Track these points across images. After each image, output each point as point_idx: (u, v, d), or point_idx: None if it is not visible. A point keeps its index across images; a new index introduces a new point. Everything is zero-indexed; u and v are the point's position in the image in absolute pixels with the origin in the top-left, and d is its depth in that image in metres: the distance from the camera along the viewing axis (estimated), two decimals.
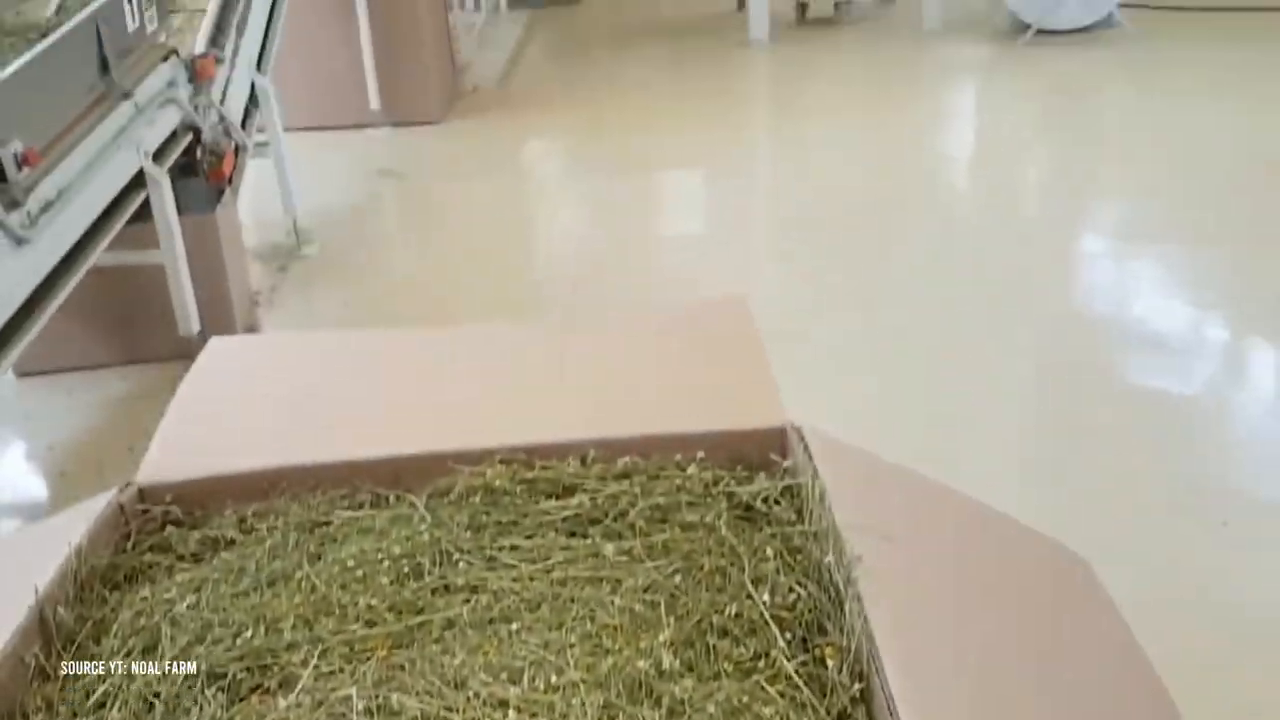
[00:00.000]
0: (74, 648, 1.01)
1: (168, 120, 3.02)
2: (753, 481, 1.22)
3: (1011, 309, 3.32)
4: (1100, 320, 3.25)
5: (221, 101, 3.38)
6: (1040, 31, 6.06)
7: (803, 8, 6.99)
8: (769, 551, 1.08)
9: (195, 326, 2.98)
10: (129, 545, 1.14)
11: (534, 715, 0.89)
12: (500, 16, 7.73)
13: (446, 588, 1.06)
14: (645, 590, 1.04)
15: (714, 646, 0.97)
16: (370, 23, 5.24)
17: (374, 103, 5.38)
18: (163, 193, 2.83)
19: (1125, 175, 4.51)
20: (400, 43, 5.36)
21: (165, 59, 3.04)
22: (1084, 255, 3.81)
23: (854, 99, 5.74)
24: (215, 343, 1.41)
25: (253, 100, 3.75)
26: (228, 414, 1.29)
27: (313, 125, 5.33)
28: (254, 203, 4.23)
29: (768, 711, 0.89)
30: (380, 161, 5.07)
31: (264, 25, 3.87)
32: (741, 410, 1.31)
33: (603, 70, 6.49)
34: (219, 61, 3.39)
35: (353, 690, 0.92)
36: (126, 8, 2.79)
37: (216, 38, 3.51)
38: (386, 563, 1.08)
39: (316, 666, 0.96)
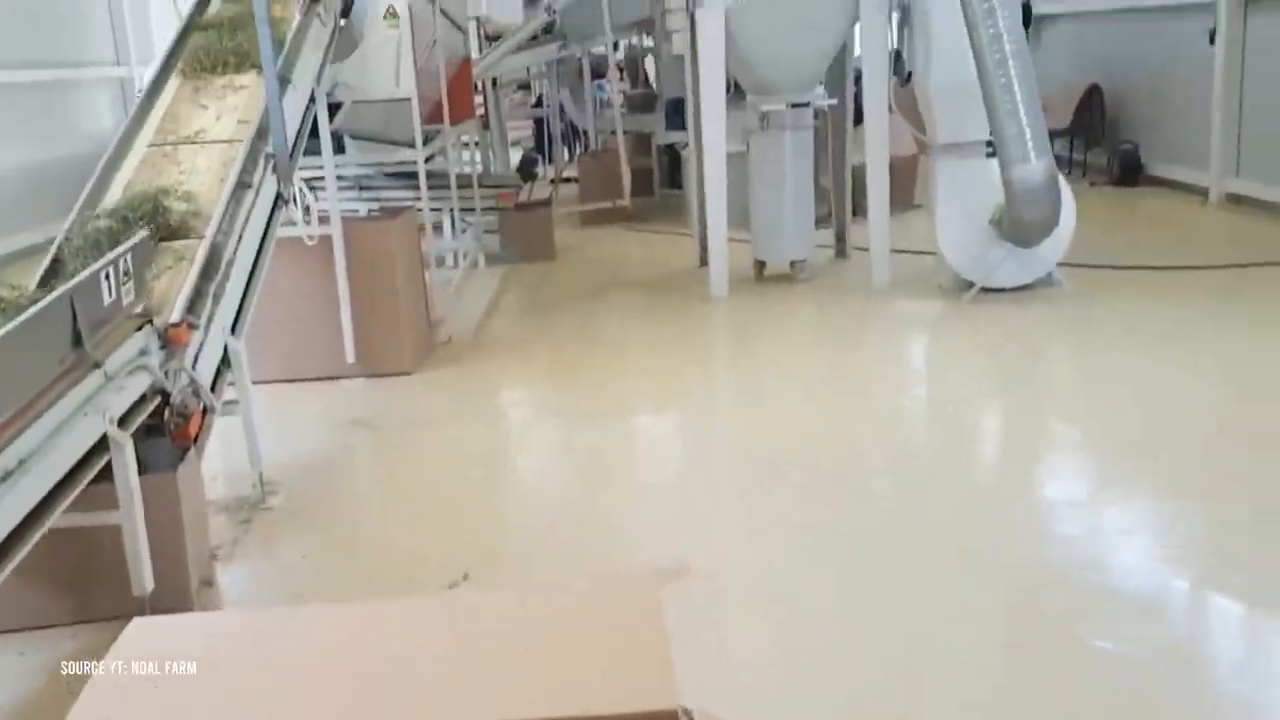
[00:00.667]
0: None
1: (137, 386, 3.11)
2: None
3: (969, 560, 3.39)
4: (1051, 570, 3.30)
5: (194, 365, 3.47)
6: (984, 290, 6.38)
7: (760, 265, 7.38)
8: None
9: (149, 587, 2.98)
10: None
11: None
12: (477, 271, 8.14)
13: None
14: None
15: None
16: (350, 281, 5.48)
17: (350, 356, 5.57)
18: (125, 457, 2.88)
19: (1075, 429, 4.64)
20: (378, 300, 5.59)
21: (139, 328, 3.18)
22: (1038, 507, 3.88)
23: (811, 354, 5.99)
24: (136, 624, 1.47)
25: (224, 360, 3.83)
26: (137, 701, 1.34)
27: (289, 377, 5.51)
28: (223, 455, 4.33)
29: None
30: (353, 412, 5.20)
31: (241, 292, 4.03)
32: (636, 692, 1.37)
33: (573, 322, 6.78)
34: (193, 328, 3.51)
35: None
36: (104, 284, 2.95)
37: (194, 304, 3.64)
38: None
39: None
